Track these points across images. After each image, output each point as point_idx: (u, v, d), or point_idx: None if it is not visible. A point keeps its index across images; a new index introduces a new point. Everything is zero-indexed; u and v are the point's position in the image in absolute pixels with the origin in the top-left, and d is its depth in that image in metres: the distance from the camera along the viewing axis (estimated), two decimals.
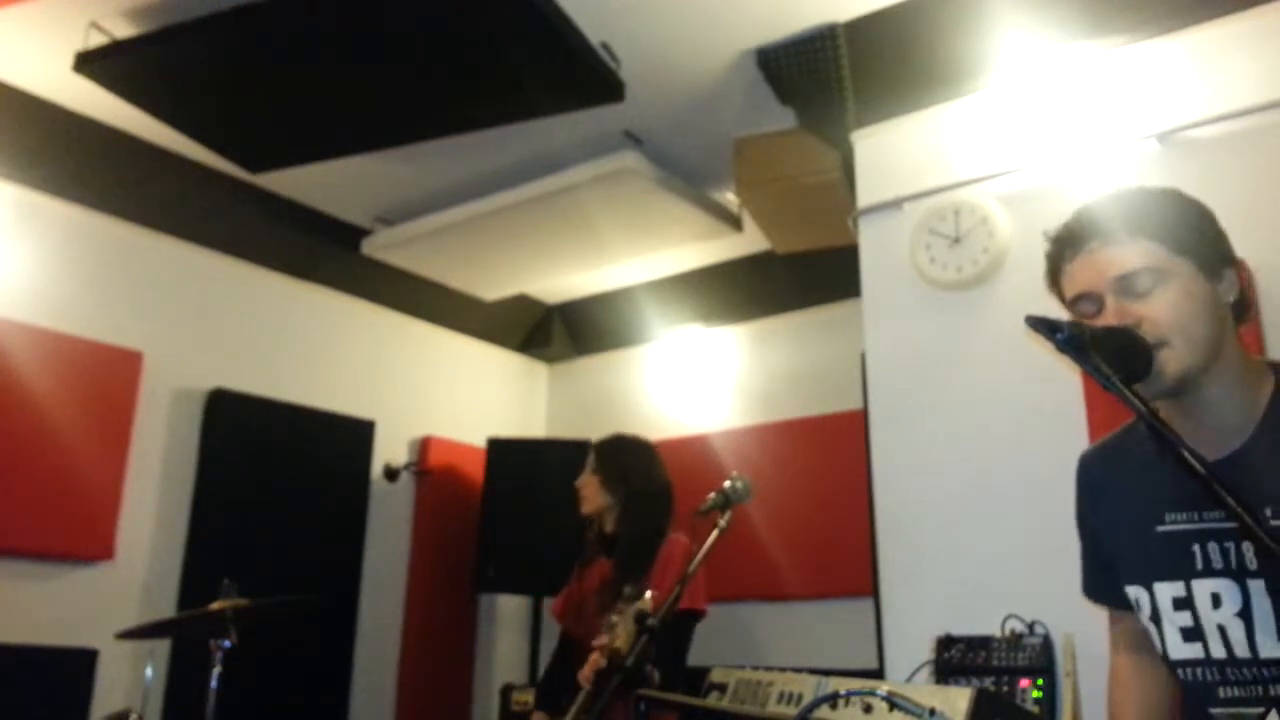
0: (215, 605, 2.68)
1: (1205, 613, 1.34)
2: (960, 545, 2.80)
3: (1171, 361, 1.28)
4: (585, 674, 2.65)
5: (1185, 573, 1.35)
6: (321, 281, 4.80)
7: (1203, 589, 1.34)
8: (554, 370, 6.00)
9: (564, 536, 3.71)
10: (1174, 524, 1.38)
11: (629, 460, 3.01)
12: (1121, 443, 1.53)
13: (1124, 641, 1.57)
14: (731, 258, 5.02)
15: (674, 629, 2.68)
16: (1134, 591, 1.44)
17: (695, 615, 2.76)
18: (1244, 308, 1.38)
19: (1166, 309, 1.29)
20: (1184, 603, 1.36)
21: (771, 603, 4.55)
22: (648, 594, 2.61)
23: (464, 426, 5.30)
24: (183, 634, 3.44)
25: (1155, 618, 1.40)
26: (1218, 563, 1.33)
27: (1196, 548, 1.35)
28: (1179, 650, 1.38)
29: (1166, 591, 1.38)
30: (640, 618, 2.55)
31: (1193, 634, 1.36)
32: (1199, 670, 1.37)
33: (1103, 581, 1.54)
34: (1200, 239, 1.35)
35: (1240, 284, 1.38)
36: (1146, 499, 1.41)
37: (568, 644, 3.04)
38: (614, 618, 2.50)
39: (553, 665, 3.13)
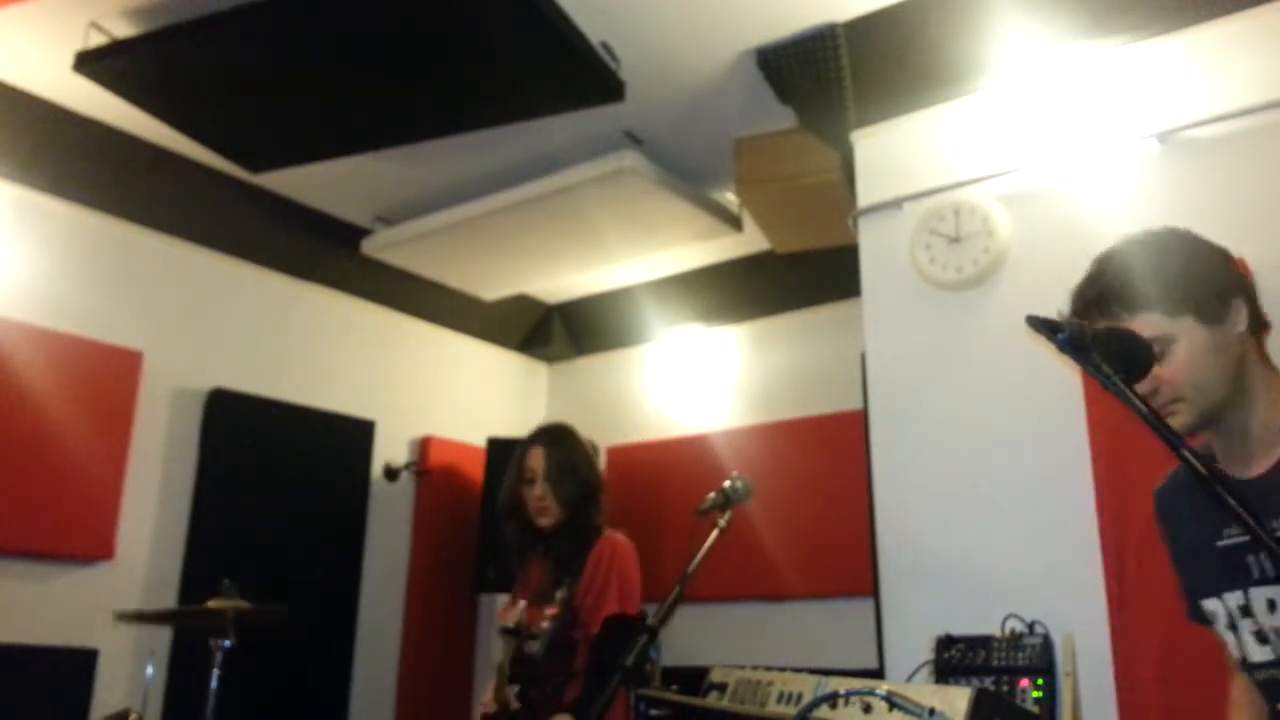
0: (214, 604, 2.68)
1: (1263, 618, 1.40)
2: (960, 545, 2.80)
3: (1180, 414, 1.39)
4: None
5: (1243, 582, 1.42)
6: (321, 281, 4.80)
7: (1259, 596, 1.41)
8: (554, 370, 6.00)
9: None
10: (1230, 539, 1.45)
11: (577, 460, 2.87)
12: (1183, 470, 1.58)
13: (1231, 662, 1.61)
14: (731, 258, 5.02)
15: (612, 636, 2.57)
16: (1209, 605, 1.51)
17: (632, 620, 2.64)
18: (1260, 323, 1.46)
19: (1176, 372, 1.38)
20: (1246, 610, 1.43)
21: (771, 603, 4.55)
22: (519, 604, 2.62)
23: (464, 426, 5.30)
24: (182, 633, 3.44)
25: (1232, 626, 1.47)
26: (1270, 571, 1.39)
27: (1251, 559, 1.41)
28: (1256, 654, 1.44)
29: (1233, 601, 1.45)
30: (504, 631, 2.57)
31: (1262, 637, 1.42)
32: (1273, 671, 1.43)
33: (1193, 604, 1.59)
34: (1196, 287, 1.41)
35: (1246, 308, 1.43)
36: (1207, 518, 1.48)
37: None
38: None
39: None
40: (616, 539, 2.79)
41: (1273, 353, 2.42)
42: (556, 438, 2.91)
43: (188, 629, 3.53)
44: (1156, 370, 1.37)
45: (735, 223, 4.39)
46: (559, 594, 2.66)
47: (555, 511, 2.80)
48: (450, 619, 5.05)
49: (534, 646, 2.61)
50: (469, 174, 4.22)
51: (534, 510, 2.82)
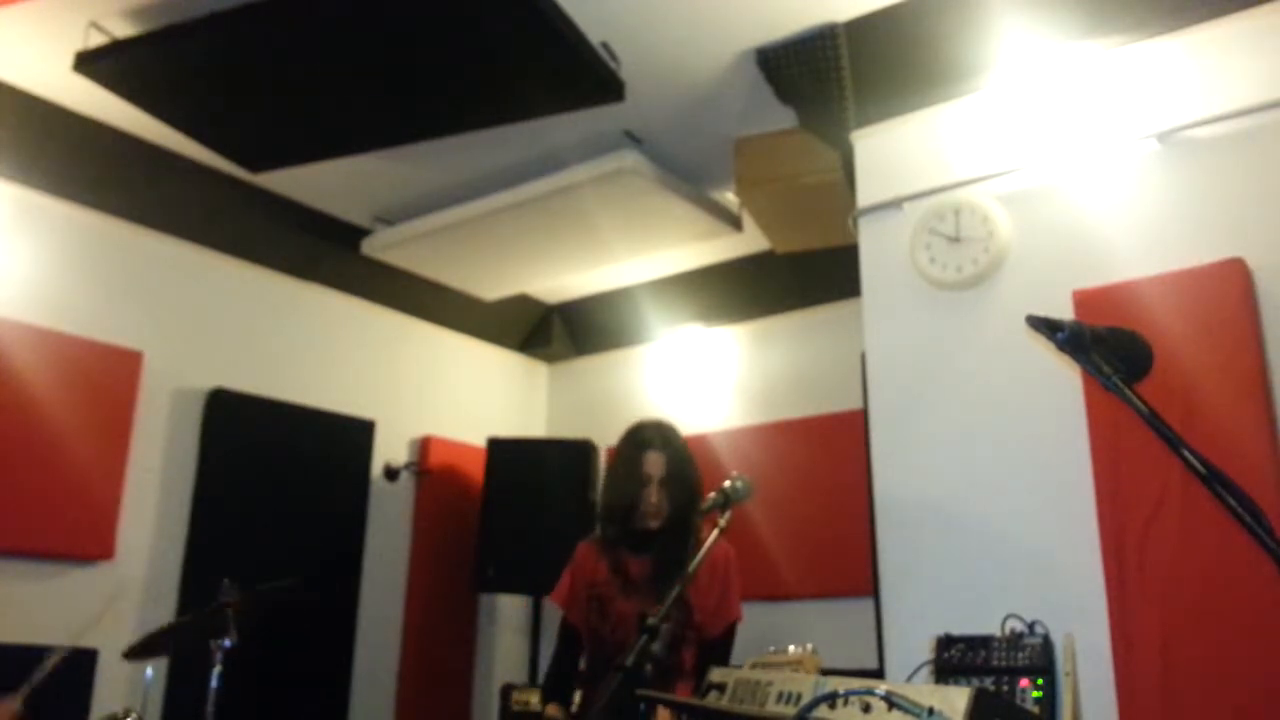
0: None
1: None
2: (960, 545, 2.80)
3: None
4: None
5: None
6: (321, 281, 4.80)
7: None
8: (554, 370, 6.00)
9: (564, 536, 3.69)
10: None
11: (688, 462, 2.82)
12: None
13: None
14: (731, 258, 5.02)
15: (726, 641, 2.72)
16: None
17: (737, 623, 2.76)
18: None
19: None
20: None
21: (771, 603, 4.54)
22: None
23: (464, 426, 5.30)
24: (183, 636, 3.42)
25: None
26: None
27: None
28: None
29: None
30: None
31: None
32: None
33: None
34: None
35: None
36: None
37: (572, 635, 2.86)
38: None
39: (560, 657, 2.90)
40: (727, 545, 2.74)
41: (1273, 352, 2.43)
42: (669, 439, 2.84)
43: (188, 630, 3.52)
44: None
45: (735, 223, 4.39)
46: (678, 589, 2.61)
47: (666, 514, 2.75)
48: (450, 619, 5.04)
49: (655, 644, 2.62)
50: (469, 174, 4.22)
51: (649, 513, 2.75)
